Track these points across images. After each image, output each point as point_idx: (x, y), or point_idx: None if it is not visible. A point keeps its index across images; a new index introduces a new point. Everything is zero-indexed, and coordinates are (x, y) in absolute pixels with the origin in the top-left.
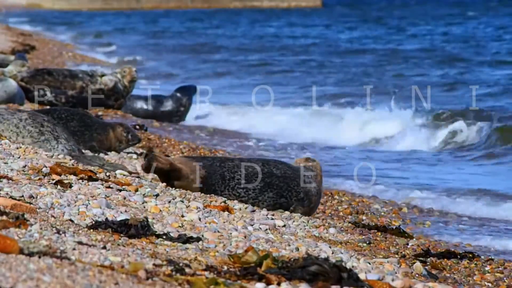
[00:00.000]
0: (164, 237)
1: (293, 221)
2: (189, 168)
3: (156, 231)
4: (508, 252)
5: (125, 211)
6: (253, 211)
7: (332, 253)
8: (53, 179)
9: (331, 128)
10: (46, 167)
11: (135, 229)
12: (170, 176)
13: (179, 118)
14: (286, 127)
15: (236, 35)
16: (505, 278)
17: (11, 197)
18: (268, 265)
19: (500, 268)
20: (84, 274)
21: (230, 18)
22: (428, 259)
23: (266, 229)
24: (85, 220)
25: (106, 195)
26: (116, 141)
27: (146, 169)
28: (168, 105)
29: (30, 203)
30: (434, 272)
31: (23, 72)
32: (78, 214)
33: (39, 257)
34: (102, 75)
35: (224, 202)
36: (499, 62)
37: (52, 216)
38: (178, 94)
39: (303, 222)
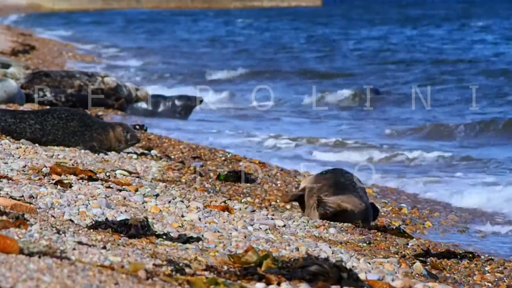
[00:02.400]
0: (164, 237)
1: (293, 221)
2: (353, 205)
3: (156, 231)
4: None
5: (125, 211)
6: (253, 211)
7: (332, 253)
8: (53, 179)
9: None
10: (46, 167)
11: (135, 229)
12: (338, 215)
13: (183, 116)
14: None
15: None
16: (505, 278)
17: (11, 197)
18: (268, 265)
19: (500, 268)
20: (84, 274)
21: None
22: (428, 259)
23: (266, 229)
24: (85, 220)
25: (106, 195)
26: (116, 141)
27: (324, 216)
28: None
29: (30, 203)
30: (434, 272)
31: (21, 79)
32: (78, 214)
33: (39, 257)
34: (105, 76)
35: (224, 202)
36: None
37: (52, 216)
38: (176, 102)
39: (303, 222)
